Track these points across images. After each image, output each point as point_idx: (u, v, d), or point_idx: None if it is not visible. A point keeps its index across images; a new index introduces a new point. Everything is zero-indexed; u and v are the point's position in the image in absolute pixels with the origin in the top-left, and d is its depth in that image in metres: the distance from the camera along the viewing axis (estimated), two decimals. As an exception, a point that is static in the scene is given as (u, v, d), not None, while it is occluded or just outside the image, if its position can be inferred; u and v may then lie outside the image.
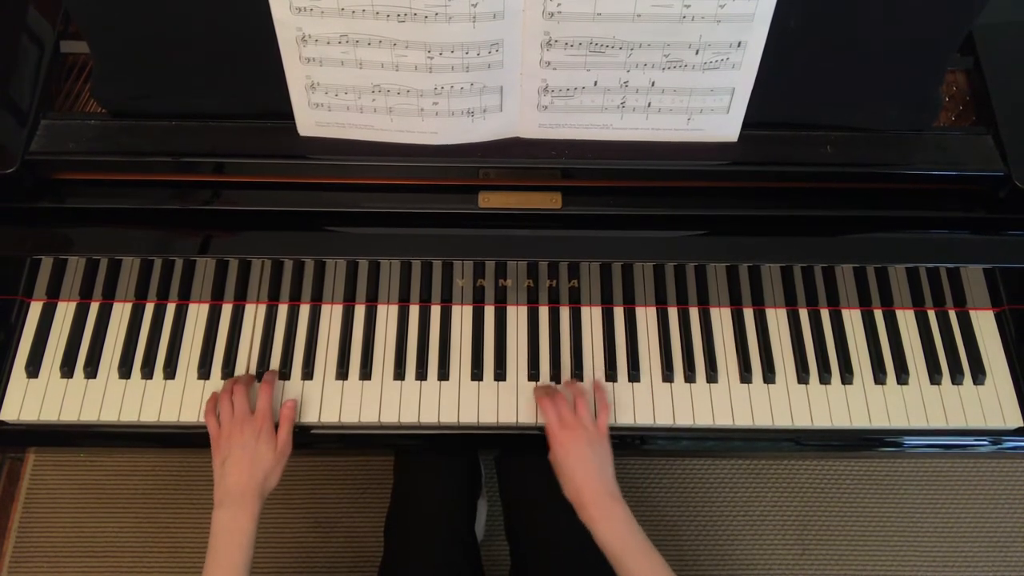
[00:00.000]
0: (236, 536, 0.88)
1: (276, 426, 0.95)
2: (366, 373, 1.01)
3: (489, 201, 0.95)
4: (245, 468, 0.90)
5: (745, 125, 0.91)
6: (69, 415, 0.98)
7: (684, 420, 0.99)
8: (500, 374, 1.01)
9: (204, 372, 1.00)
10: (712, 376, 1.01)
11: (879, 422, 0.99)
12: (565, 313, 1.05)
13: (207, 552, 0.88)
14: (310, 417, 0.98)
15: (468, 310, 1.04)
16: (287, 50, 0.85)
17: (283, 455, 0.94)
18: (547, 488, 1.11)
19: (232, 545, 0.87)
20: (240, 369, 1.01)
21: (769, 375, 1.01)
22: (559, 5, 0.80)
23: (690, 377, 1.01)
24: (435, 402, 1.00)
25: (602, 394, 0.98)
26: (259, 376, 1.00)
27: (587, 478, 0.90)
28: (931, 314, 1.05)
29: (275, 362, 1.01)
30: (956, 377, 1.01)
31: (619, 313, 1.05)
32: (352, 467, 1.65)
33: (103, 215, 0.96)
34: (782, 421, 0.99)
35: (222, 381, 1.00)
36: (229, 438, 0.92)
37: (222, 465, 0.91)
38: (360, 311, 1.04)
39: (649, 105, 0.89)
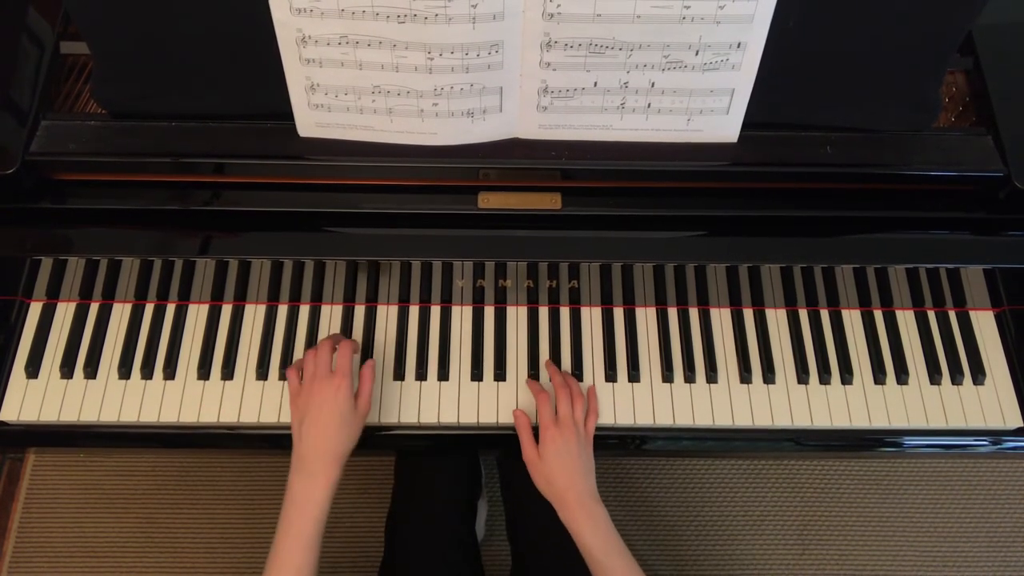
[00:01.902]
0: (308, 507, 0.85)
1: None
2: (366, 373, 1.01)
3: (489, 202, 0.95)
4: (322, 428, 0.87)
5: (745, 126, 0.91)
6: (69, 415, 0.98)
7: (684, 420, 0.99)
8: (500, 374, 1.01)
9: (204, 373, 1.00)
10: (712, 376, 1.01)
11: (879, 422, 0.99)
12: (565, 313, 1.05)
13: (279, 517, 0.86)
14: (310, 418, 0.98)
15: (468, 310, 1.04)
16: (287, 51, 0.85)
17: (362, 415, 0.91)
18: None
19: (303, 517, 0.85)
20: (240, 369, 1.01)
21: (769, 375, 1.01)
22: (559, 6, 0.80)
23: (690, 377, 1.01)
24: (435, 402, 1.00)
25: (594, 400, 0.98)
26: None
27: (574, 478, 0.90)
28: (931, 314, 1.05)
29: (275, 362, 1.01)
30: (956, 377, 1.01)
31: (619, 313, 1.05)
32: (352, 467, 1.64)
33: (103, 216, 0.96)
34: (782, 421, 0.99)
35: (222, 382, 1.00)
36: (309, 395, 0.89)
37: (299, 425, 0.88)
38: (360, 311, 1.04)
39: (649, 106, 0.89)
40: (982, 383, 1.01)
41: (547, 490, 0.91)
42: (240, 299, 1.04)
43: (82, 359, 1.01)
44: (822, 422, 0.99)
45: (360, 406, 0.91)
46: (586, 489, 0.90)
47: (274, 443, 1.02)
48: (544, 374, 1.01)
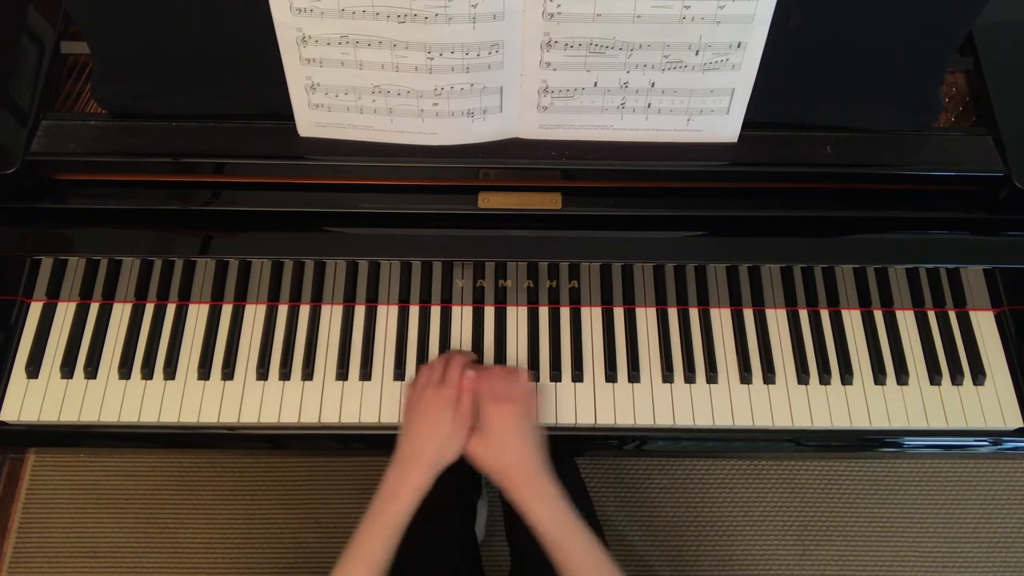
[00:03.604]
0: (395, 503, 0.86)
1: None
2: (366, 374, 1.01)
3: (489, 202, 0.95)
4: (422, 433, 0.88)
5: (745, 126, 0.91)
6: (69, 415, 0.98)
7: (684, 421, 0.99)
8: (500, 375, 1.01)
9: (204, 373, 1.00)
10: (712, 377, 1.01)
11: (879, 423, 0.99)
12: (565, 314, 1.05)
13: (368, 508, 0.88)
14: (309, 417, 0.98)
15: (468, 311, 1.04)
16: (287, 51, 0.85)
17: (461, 425, 0.89)
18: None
19: (389, 509, 0.86)
20: (240, 369, 1.01)
21: (769, 376, 1.01)
22: (559, 6, 0.80)
23: (690, 378, 1.01)
24: (435, 403, 1.00)
25: (521, 373, 0.94)
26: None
27: (521, 454, 0.86)
28: (931, 315, 1.05)
29: (275, 363, 1.01)
30: (956, 378, 1.01)
31: (619, 314, 1.05)
32: (352, 467, 1.65)
33: (103, 216, 0.96)
34: (782, 422, 0.99)
35: (222, 382, 1.00)
36: (419, 399, 0.91)
37: (407, 426, 0.91)
38: (360, 312, 1.04)
39: (649, 106, 0.89)
40: (982, 383, 1.01)
41: (492, 471, 0.87)
42: (240, 299, 1.04)
43: (82, 359, 1.01)
44: (822, 422, 0.99)
45: (459, 417, 0.90)
46: (534, 465, 0.86)
47: (274, 443, 1.02)
48: (544, 375, 1.01)
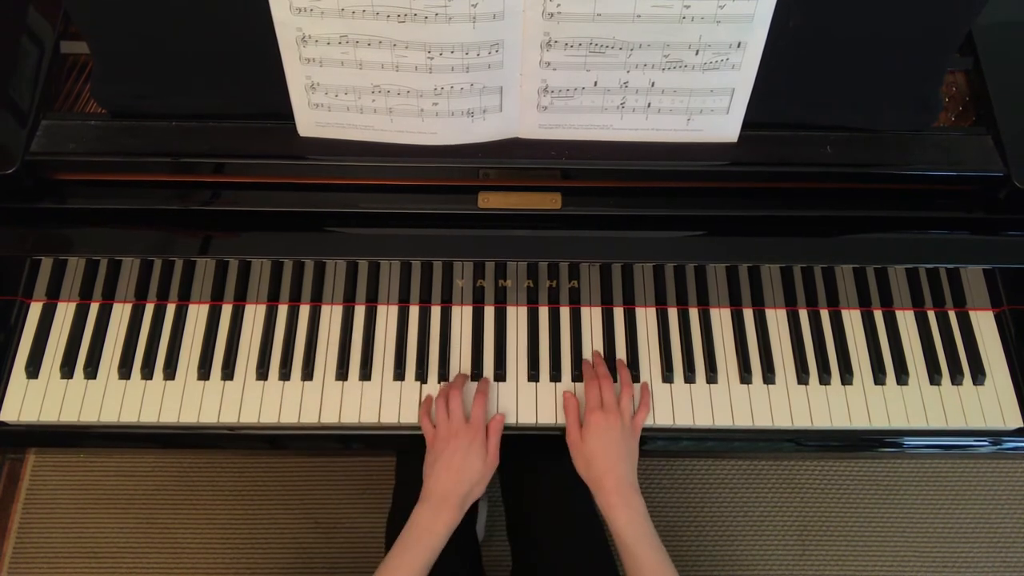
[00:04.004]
0: (427, 537, 0.90)
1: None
2: (366, 374, 1.01)
3: (489, 201, 0.95)
4: (453, 474, 0.92)
5: (745, 125, 0.91)
6: (69, 416, 0.98)
7: (684, 421, 0.99)
8: (500, 375, 1.01)
9: (204, 373, 1.00)
10: (712, 377, 1.01)
11: (879, 423, 0.99)
12: (565, 313, 1.05)
13: (397, 541, 0.90)
14: (309, 417, 0.98)
15: (468, 311, 1.04)
16: (287, 51, 0.85)
17: (491, 467, 0.95)
18: (548, 488, 1.11)
19: (420, 544, 0.89)
20: (240, 370, 1.01)
21: (769, 376, 1.01)
22: (559, 6, 0.80)
23: (690, 378, 1.01)
24: (435, 402, 1.00)
25: (647, 395, 0.99)
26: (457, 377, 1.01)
27: (614, 464, 0.91)
28: (931, 315, 1.05)
29: (275, 363, 1.01)
30: (956, 378, 1.01)
31: (619, 314, 1.05)
32: (352, 467, 1.65)
33: (103, 216, 0.96)
34: (782, 422, 0.99)
35: (222, 382, 1.00)
36: (446, 441, 0.93)
37: (432, 465, 0.93)
38: (360, 312, 1.04)
39: (649, 105, 0.89)
40: (982, 383, 1.01)
41: (586, 473, 0.93)
42: (240, 299, 1.04)
43: (82, 359, 1.01)
44: (822, 422, 0.99)
45: (489, 459, 0.94)
46: (625, 476, 0.90)
47: (274, 443, 1.02)
48: (544, 375, 1.01)
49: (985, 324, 1.04)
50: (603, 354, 1.02)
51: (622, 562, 0.89)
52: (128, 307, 1.04)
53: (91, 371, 1.00)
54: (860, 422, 0.99)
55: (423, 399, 0.99)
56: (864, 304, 1.05)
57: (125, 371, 1.00)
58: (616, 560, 1.10)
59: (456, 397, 0.96)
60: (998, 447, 1.01)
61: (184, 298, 1.04)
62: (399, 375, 1.01)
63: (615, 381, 0.98)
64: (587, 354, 1.02)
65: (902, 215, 0.98)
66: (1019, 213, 0.97)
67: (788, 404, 1.00)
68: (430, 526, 0.90)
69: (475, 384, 1.00)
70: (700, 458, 1.67)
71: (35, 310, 1.03)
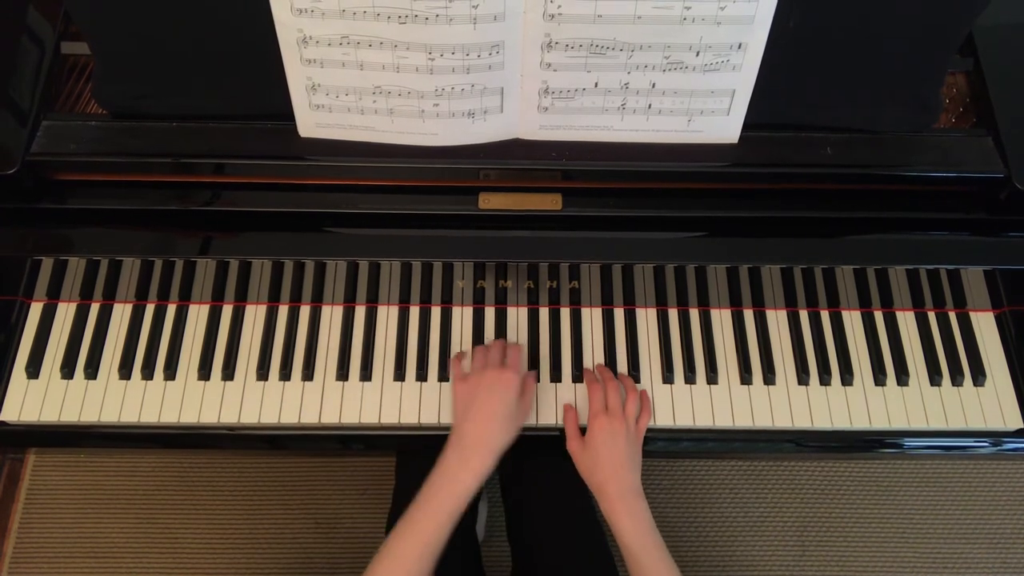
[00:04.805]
0: (455, 485, 0.85)
1: None
2: (366, 374, 1.01)
3: (489, 202, 0.95)
4: (488, 415, 0.88)
5: (745, 127, 0.91)
6: (69, 416, 0.98)
7: (684, 421, 0.99)
8: (500, 375, 1.01)
9: (204, 373, 1.00)
10: (712, 377, 1.01)
11: (879, 423, 0.99)
12: (565, 314, 1.05)
13: (423, 486, 0.86)
14: (310, 418, 0.99)
15: (468, 311, 1.04)
16: (288, 51, 0.85)
17: (524, 413, 0.92)
18: (548, 489, 1.11)
19: (448, 491, 0.85)
20: (240, 370, 1.01)
21: (769, 376, 1.01)
22: (559, 7, 0.80)
23: (690, 378, 1.01)
24: (436, 403, 1.00)
25: (647, 401, 0.98)
26: None
27: (618, 470, 0.90)
28: (931, 315, 1.05)
29: (275, 363, 1.01)
30: (956, 379, 1.01)
31: (619, 314, 1.05)
32: (352, 467, 1.65)
33: (104, 216, 0.96)
34: (782, 422, 0.99)
35: (222, 382, 1.00)
36: (477, 382, 0.90)
37: (464, 411, 0.89)
38: (360, 312, 1.04)
39: (650, 107, 0.89)
40: (982, 384, 1.01)
41: (589, 479, 0.92)
42: (241, 300, 1.04)
43: (83, 359, 1.01)
44: (822, 423, 0.99)
45: (523, 404, 0.92)
46: (628, 483, 0.89)
47: (274, 443, 1.02)
48: (545, 376, 1.01)
49: (985, 325, 1.04)
50: (604, 354, 1.02)
51: (627, 568, 0.88)
52: (129, 307, 1.04)
53: (91, 371, 1.00)
54: (860, 423, 0.99)
55: (454, 357, 0.99)
56: (864, 305, 1.05)
57: (125, 371, 1.00)
58: (617, 561, 1.10)
59: (497, 346, 0.95)
60: (998, 448, 1.01)
61: (185, 298, 1.04)
62: (399, 376, 1.01)
63: (608, 386, 0.97)
64: (587, 354, 1.02)
65: (902, 216, 0.98)
66: (1019, 214, 0.97)
67: (788, 405, 1.00)
68: (459, 474, 0.86)
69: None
70: (700, 459, 1.67)
71: (36, 310, 1.03)
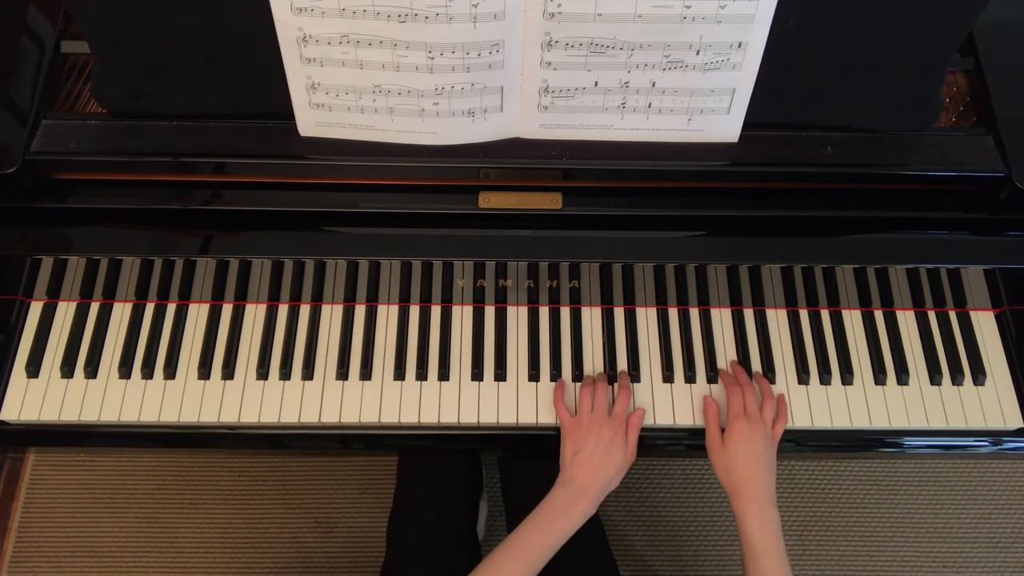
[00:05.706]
0: (561, 521, 0.90)
1: None
2: (366, 373, 1.01)
3: (489, 201, 0.95)
4: (595, 466, 0.92)
5: (745, 126, 0.91)
6: (69, 415, 0.98)
7: (684, 420, 0.99)
8: (500, 375, 1.01)
9: (204, 372, 1.00)
10: (712, 376, 1.01)
11: (879, 423, 0.99)
12: (565, 313, 1.05)
13: (529, 520, 0.91)
14: (310, 417, 0.98)
15: (468, 310, 1.04)
16: (288, 50, 0.85)
17: (629, 462, 0.95)
18: (548, 488, 1.11)
19: (556, 527, 0.90)
20: (240, 369, 1.01)
21: (769, 376, 1.01)
22: (560, 6, 0.80)
23: (690, 377, 1.01)
24: (435, 402, 1.00)
25: (784, 406, 0.99)
26: None
27: (755, 472, 0.91)
28: (931, 315, 1.05)
29: (275, 363, 1.01)
30: (956, 378, 1.01)
31: (619, 313, 1.05)
32: (352, 467, 1.65)
33: (104, 215, 0.96)
34: (782, 422, 0.99)
35: (222, 381, 1.00)
36: (587, 431, 0.94)
37: (573, 456, 0.93)
38: (360, 311, 1.04)
39: (650, 105, 0.89)
40: (982, 383, 1.01)
41: (725, 479, 0.93)
42: (241, 299, 1.04)
43: (83, 359, 1.01)
44: (822, 422, 0.99)
45: (628, 454, 0.95)
46: (763, 486, 0.91)
47: (274, 443, 1.02)
48: (545, 375, 1.01)
49: (986, 324, 1.04)
50: (604, 354, 1.02)
51: (745, 567, 0.89)
52: (128, 306, 1.04)
53: (91, 370, 1.00)
54: (860, 422, 0.99)
55: (556, 386, 1.00)
56: (865, 304, 1.05)
57: (125, 371, 1.00)
58: (618, 561, 1.10)
59: (603, 390, 0.97)
60: (998, 447, 1.01)
61: (184, 298, 1.04)
62: (399, 375, 1.01)
63: (746, 390, 0.98)
64: (587, 354, 1.02)
65: (903, 215, 0.98)
66: (1020, 213, 0.97)
67: (788, 404, 1.00)
68: (567, 511, 0.91)
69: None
70: (700, 458, 1.67)
71: (35, 309, 1.03)
